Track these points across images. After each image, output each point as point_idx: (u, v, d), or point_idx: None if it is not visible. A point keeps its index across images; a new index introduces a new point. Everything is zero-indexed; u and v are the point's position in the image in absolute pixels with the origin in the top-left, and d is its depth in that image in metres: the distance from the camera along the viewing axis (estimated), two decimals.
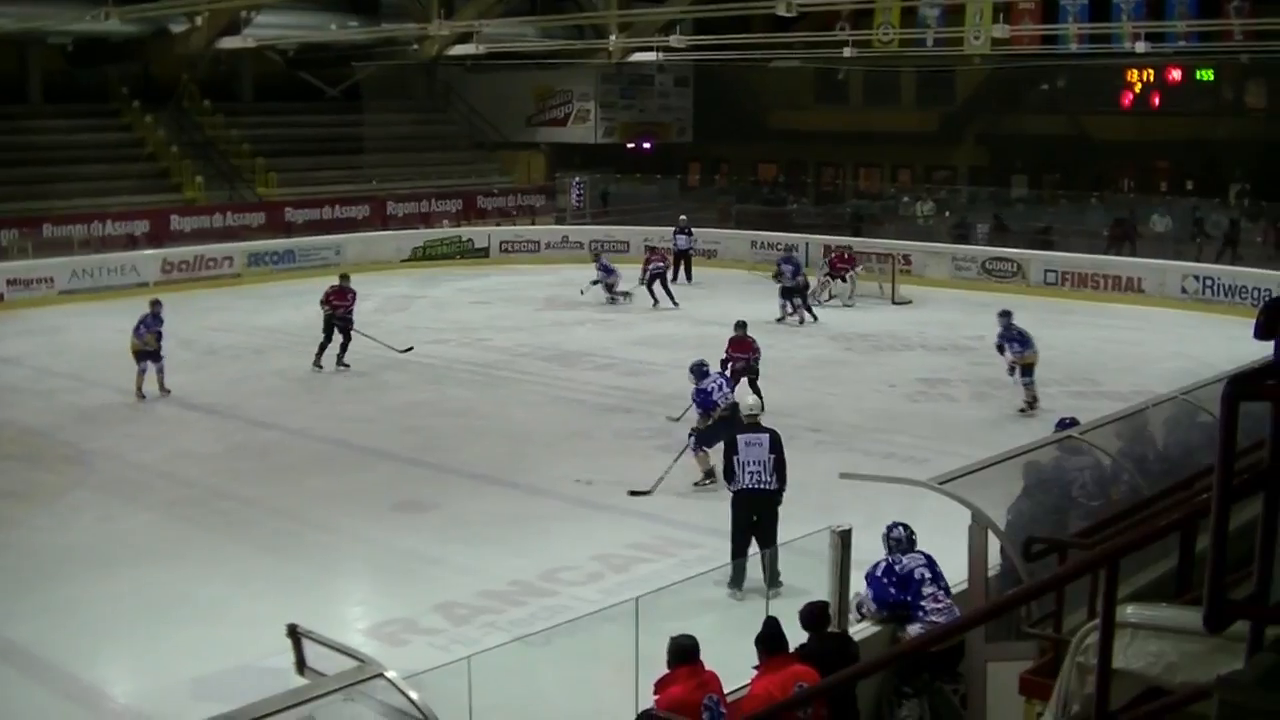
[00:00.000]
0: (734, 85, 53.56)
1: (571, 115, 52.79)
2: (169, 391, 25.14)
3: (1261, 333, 3.65)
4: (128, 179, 42.35)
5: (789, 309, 32.78)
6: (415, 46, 46.92)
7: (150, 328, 25.09)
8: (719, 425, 18.53)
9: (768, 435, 15.47)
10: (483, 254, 44.95)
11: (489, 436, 22.28)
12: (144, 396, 24.89)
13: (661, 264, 35.81)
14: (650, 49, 44.83)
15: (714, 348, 26.25)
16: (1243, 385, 3.65)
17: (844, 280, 36.23)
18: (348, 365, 27.61)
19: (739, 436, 15.46)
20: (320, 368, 27.37)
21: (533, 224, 47.95)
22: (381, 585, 16.05)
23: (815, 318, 33.06)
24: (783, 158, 57.53)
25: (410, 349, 29.24)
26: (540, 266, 42.04)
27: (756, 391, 22.31)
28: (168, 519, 18.05)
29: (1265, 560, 3.66)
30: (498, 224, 47.23)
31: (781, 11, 33.25)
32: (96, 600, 14.96)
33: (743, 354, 23.31)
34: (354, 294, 28.09)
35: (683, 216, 40.58)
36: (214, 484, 19.63)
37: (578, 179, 51.73)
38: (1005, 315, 24.06)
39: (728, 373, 22.22)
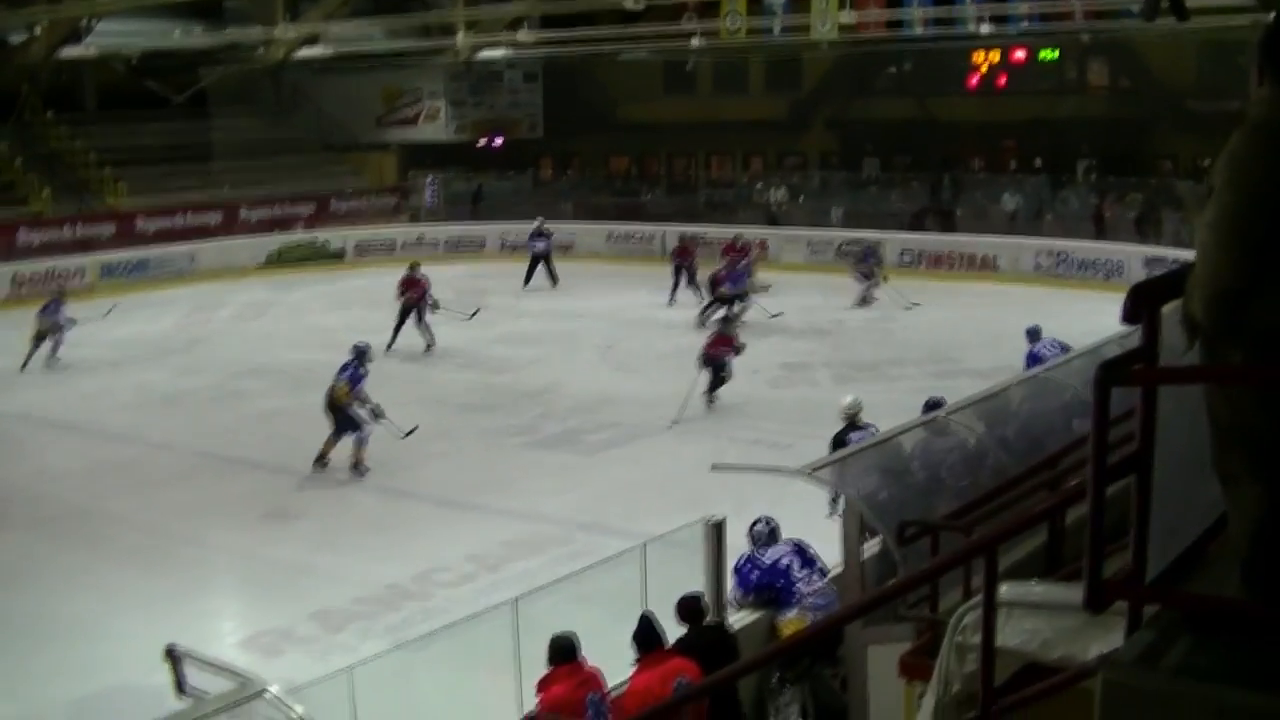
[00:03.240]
0: (583, 79, 53.51)
1: (421, 114, 52.42)
2: (59, 359, 28.55)
3: (1128, 317, 3.73)
4: None
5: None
6: (261, 50, 46.45)
7: (47, 315, 28.72)
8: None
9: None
10: (339, 257, 44.67)
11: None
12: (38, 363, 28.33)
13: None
14: (498, 45, 44.75)
15: (572, 341, 26.28)
16: (1113, 371, 3.73)
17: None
18: (430, 346, 29.44)
19: (852, 434, 15.51)
20: (388, 349, 28.30)
21: (388, 225, 47.63)
22: (254, 596, 15.92)
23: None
24: (634, 149, 57.56)
25: (477, 312, 31.03)
26: (397, 267, 41.57)
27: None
28: (29, 539, 17.70)
29: (1139, 541, 3.74)
30: (352, 226, 46.88)
31: (629, 6, 33.38)
32: None
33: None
34: (425, 280, 30.08)
35: (539, 219, 40.13)
36: (76, 501, 19.29)
37: (430, 178, 51.53)
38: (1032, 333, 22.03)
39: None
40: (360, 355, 20.67)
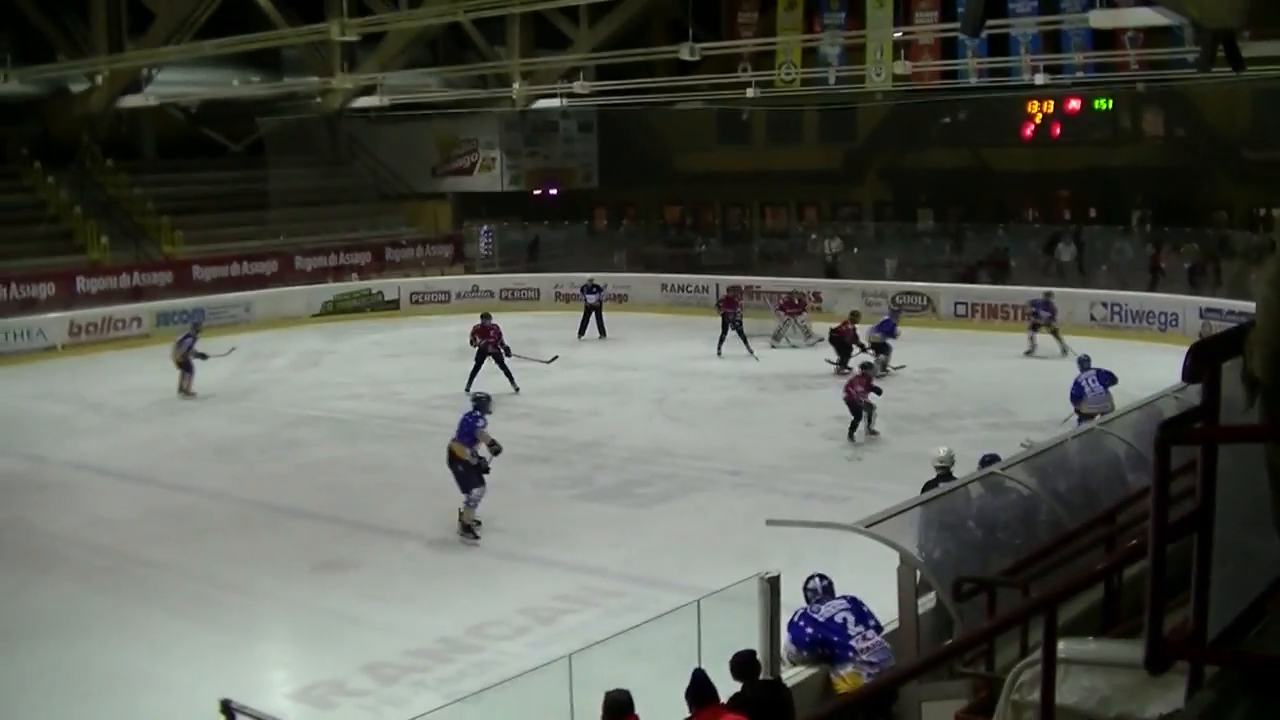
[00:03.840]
0: (638, 129, 53.61)
1: (477, 164, 52.60)
2: (194, 394, 30.33)
3: (1189, 376, 3.68)
4: (31, 241, 41.74)
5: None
6: (318, 100, 46.77)
7: (180, 345, 30.76)
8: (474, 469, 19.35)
9: None
10: (393, 306, 44.83)
11: (407, 491, 22.13)
12: (184, 391, 30.47)
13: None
14: (554, 96, 44.91)
15: (625, 393, 26.31)
16: (1173, 430, 3.68)
17: (797, 322, 36.38)
18: (516, 388, 29.77)
19: (942, 485, 15.36)
20: (469, 393, 27.96)
21: (442, 275, 47.79)
22: (306, 647, 15.87)
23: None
24: (688, 199, 57.66)
25: (555, 358, 31.66)
26: (451, 317, 41.78)
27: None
28: (83, 589, 17.68)
29: (1200, 600, 3.69)
30: (406, 275, 47.06)
31: (685, 56, 33.45)
32: (12, 677, 14.66)
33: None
34: (496, 328, 30.85)
35: (589, 277, 40.22)
36: (129, 551, 19.30)
37: (485, 228, 51.70)
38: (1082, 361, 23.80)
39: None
40: (480, 404, 20.26)
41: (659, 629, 12.19)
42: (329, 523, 20.55)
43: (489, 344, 30.39)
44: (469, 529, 19.21)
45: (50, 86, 44.87)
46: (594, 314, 38.41)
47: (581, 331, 37.99)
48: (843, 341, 31.69)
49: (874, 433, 24.90)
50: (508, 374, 29.96)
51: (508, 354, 30.40)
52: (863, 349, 30.90)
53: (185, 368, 30.47)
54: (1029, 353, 33.48)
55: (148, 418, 28.67)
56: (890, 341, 31.54)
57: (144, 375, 33.06)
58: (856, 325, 32.11)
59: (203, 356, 30.68)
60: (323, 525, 20.49)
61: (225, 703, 7.96)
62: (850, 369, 29.52)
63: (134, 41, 41.97)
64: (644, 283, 45.21)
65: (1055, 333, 33.42)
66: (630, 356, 34.77)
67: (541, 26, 45.60)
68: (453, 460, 19.46)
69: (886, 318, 33.00)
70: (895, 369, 31.01)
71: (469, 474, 19.32)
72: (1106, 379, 22.66)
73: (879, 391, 25.13)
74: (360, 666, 14.44)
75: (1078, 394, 22.59)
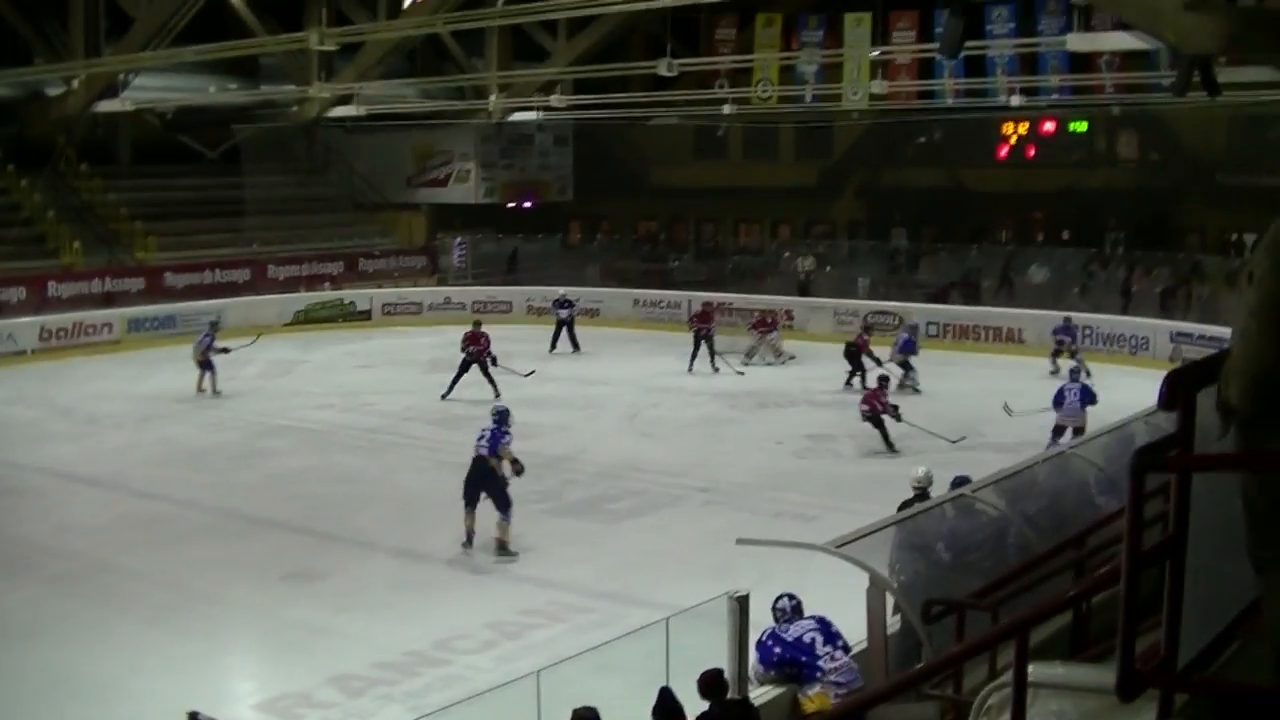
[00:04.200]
0: (614, 143, 53.51)
1: (452, 175, 52.49)
2: (220, 393, 31.28)
3: (1165, 403, 3.68)
4: (3, 245, 41.51)
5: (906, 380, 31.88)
6: (295, 108, 46.62)
7: (199, 344, 31.53)
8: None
9: None
10: (365, 317, 44.71)
11: (377, 503, 22.10)
12: (203, 390, 31.31)
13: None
14: (530, 109, 44.90)
15: (597, 408, 26.22)
16: (1148, 457, 3.68)
17: (768, 341, 36.49)
18: (498, 394, 29.05)
19: (919, 506, 15.31)
20: (445, 399, 30.11)
21: (415, 286, 47.69)
22: (273, 658, 15.82)
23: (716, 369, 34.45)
24: (663, 214, 57.60)
25: (532, 372, 32.10)
26: (423, 328, 41.78)
27: None
28: (51, 594, 17.62)
29: (1172, 628, 3.68)
30: (380, 286, 46.97)
31: (663, 72, 33.46)
32: None
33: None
34: (486, 336, 31.53)
35: (562, 291, 40.20)
36: (98, 557, 19.22)
37: (459, 239, 51.65)
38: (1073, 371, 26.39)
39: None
40: (503, 417, 19.74)
41: (627, 646, 12.16)
42: (298, 533, 20.50)
43: (479, 351, 30.85)
44: (503, 546, 18.87)
45: (26, 89, 44.67)
46: (566, 328, 38.44)
47: (553, 346, 37.98)
48: (856, 355, 31.90)
49: (893, 448, 25.31)
50: (492, 382, 30.25)
51: (494, 363, 30.82)
52: (878, 363, 31.21)
53: (206, 366, 31.31)
54: (1054, 373, 33.36)
55: (118, 424, 28.56)
56: (913, 360, 31.89)
57: (115, 381, 33.00)
58: (870, 338, 32.47)
59: (224, 351, 31.77)
60: (292, 535, 20.45)
61: (193, 715, 7.92)
62: (855, 385, 30.10)
63: (111, 46, 41.74)
64: (617, 297, 45.16)
65: (1075, 354, 33.44)
66: (602, 371, 34.76)
67: (520, 39, 45.52)
68: (486, 474, 19.00)
69: (907, 337, 33.22)
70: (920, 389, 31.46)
71: (503, 490, 19.02)
72: (1086, 396, 23.91)
73: (884, 405, 25.67)
74: (327, 678, 14.40)
75: (1058, 401, 24.07)
